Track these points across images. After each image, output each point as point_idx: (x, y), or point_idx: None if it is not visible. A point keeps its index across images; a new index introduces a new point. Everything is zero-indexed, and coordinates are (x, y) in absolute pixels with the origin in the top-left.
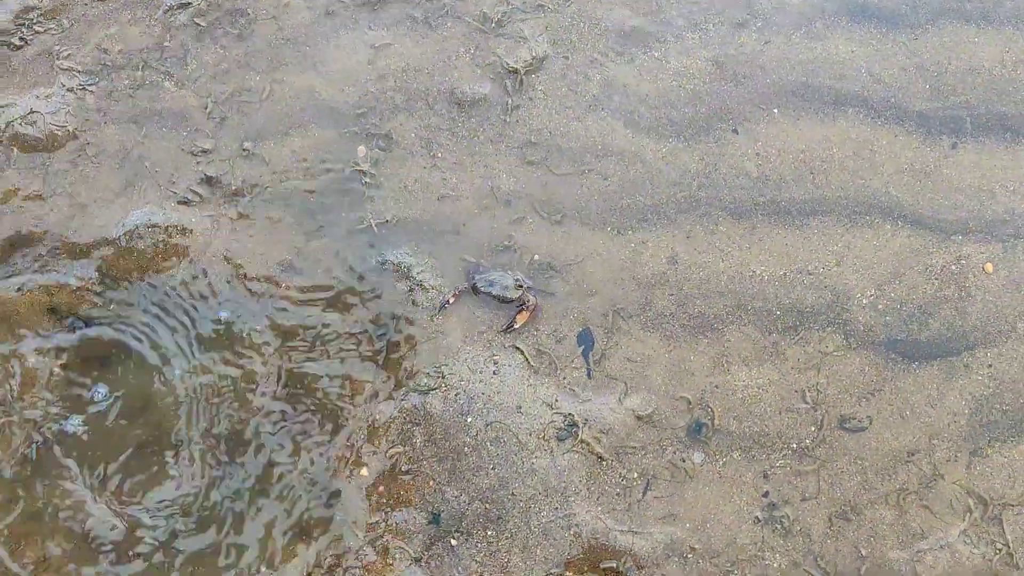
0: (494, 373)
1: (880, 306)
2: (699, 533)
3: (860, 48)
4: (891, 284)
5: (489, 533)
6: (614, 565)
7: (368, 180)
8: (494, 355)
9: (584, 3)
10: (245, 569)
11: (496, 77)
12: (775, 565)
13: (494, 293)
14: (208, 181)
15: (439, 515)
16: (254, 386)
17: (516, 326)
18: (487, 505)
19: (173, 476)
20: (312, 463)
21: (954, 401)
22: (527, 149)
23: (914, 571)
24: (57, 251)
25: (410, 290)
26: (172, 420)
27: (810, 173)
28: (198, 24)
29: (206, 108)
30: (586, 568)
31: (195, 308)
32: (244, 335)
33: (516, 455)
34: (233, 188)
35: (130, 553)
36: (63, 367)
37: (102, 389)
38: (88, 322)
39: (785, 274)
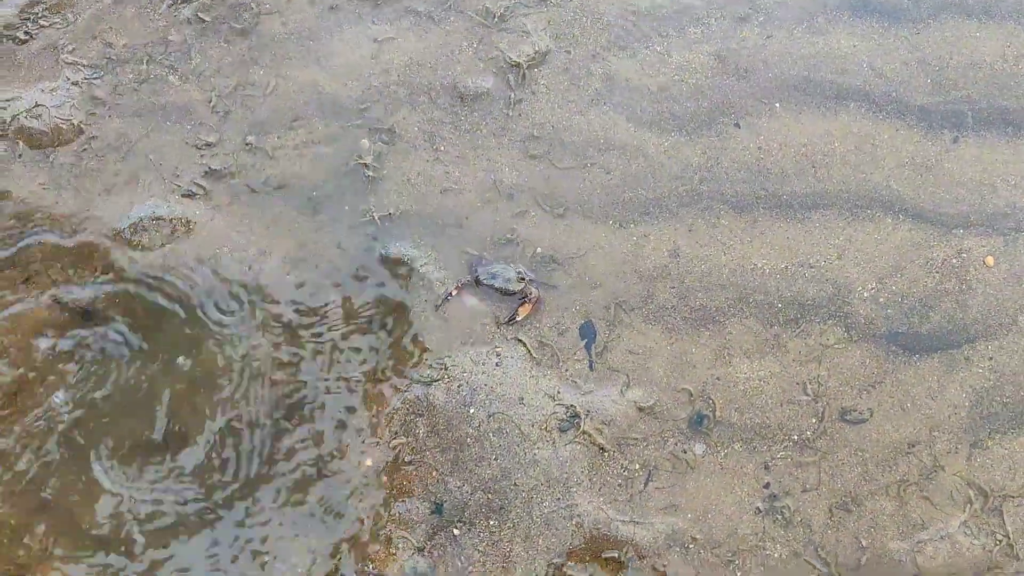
0: (496, 365)
1: (881, 299)
2: (700, 524)
3: (862, 43)
4: (892, 277)
5: (491, 523)
6: (616, 555)
7: (371, 173)
8: (496, 347)
9: None
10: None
11: (499, 71)
12: (776, 555)
13: (496, 285)
14: (212, 174)
15: (442, 505)
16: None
17: (518, 318)
18: (490, 495)
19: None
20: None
21: (955, 393)
22: (530, 143)
23: (914, 561)
24: (62, 243)
25: (413, 282)
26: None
27: (812, 167)
28: (202, 19)
29: (210, 102)
30: (588, 558)
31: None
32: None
33: (518, 446)
34: (236, 181)
35: None
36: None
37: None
38: (94, 315)
39: (786, 267)
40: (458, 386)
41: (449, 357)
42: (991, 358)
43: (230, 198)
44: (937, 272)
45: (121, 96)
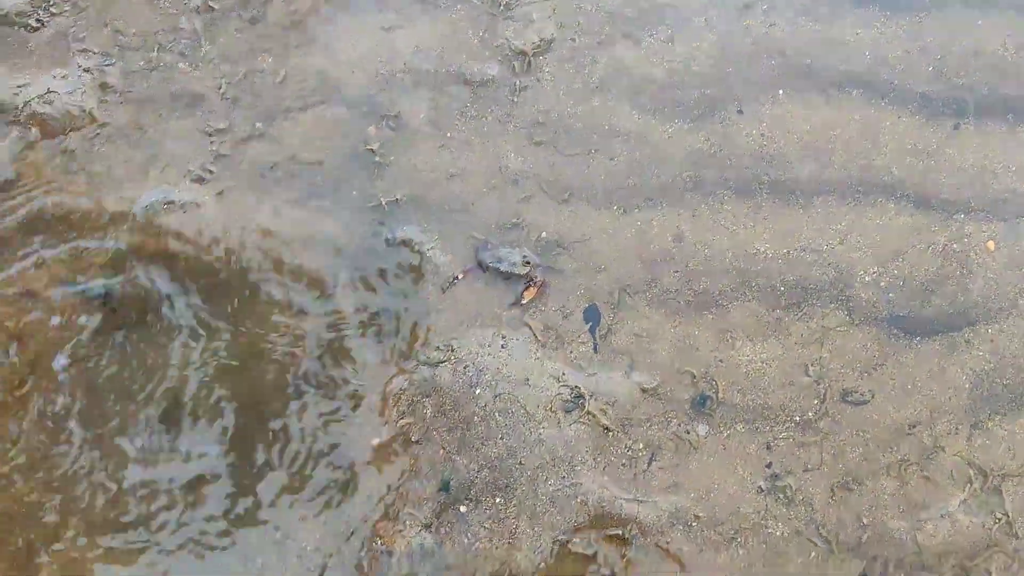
0: (502, 347)
1: (883, 283)
2: (703, 502)
3: (864, 31)
4: (894, 262)
5: (497, 500)
6: (620, 532)
7: (378, 159)
8: (502, 330)
9: None
10: None
11: (504, 59)
12: (778, 533)
13: (502, 269)
14: (222, 160)
15: (449, 483)
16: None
17: (524, 302)
18: (495, 473)
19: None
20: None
21: (955, 375)
22: (535, 130)
23: (915, 539)
24: (75, 227)
25: (420, 266)
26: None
27: (814, 153)
28: (211, 7)
29: (220, 89)
30: (592, 535)
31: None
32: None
33: (524, 425)
34: (246, 167)
35: None
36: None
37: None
38: (110, 295)
39: (789, 252)
40: (464, 367)
41: (456, 339)
42: (992, 341)
43: (239, 183)
44: (939, 256)
45: (132, 83)
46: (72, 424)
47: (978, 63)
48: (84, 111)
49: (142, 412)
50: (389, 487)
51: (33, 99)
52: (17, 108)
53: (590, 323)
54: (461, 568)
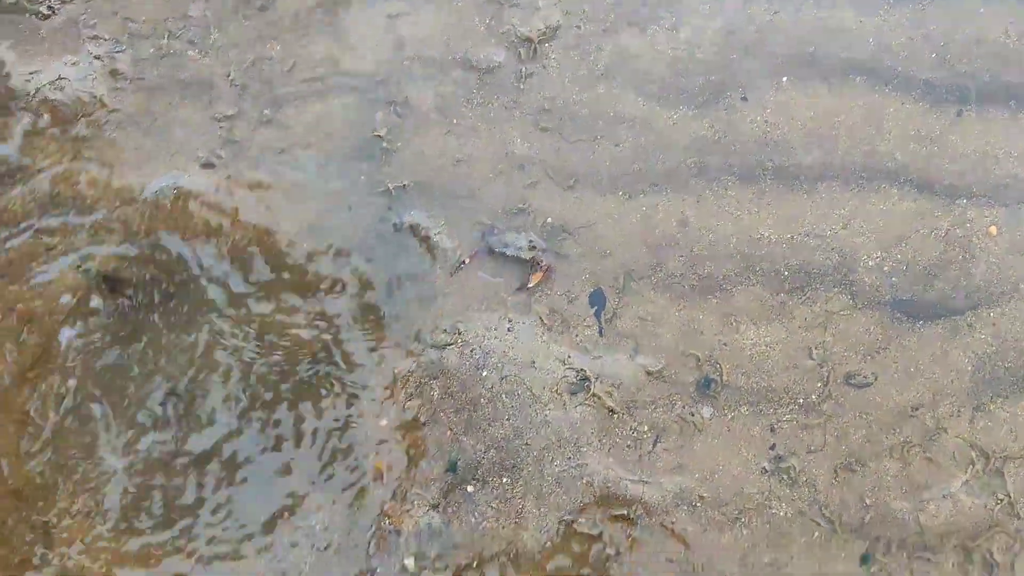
0: (508, 330)
1: (886, 268)
2: (707, 483)
3: (868, 18)
4: (897, 246)
5: (504, 481)
6: (625, 512)
7: (386, 145)
8: (508, 313)
9: None
10: None
11: (510, 46)
12: (781, 514)
13: (508, 254)
14: (231, 146)
15: (456, 463)
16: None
17: (530, 286)
18: (502, 454)
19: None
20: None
21: (958, 358)
22: (541, 116)
23: (917, 520)
24: (86, 211)
25: (427, 251)
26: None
27: (818, 140)
28: None
29: (228, 76)
30: (597, 515)
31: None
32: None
33: (530, 407)
34: (255, 153)
35: None
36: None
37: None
38: (118, 281)
39: (793, 237)
40: (471, 350)
41: (462, 323)
42: (994, 324)
43: (248, 169)
44: (941, 241)
45: (142, 70)
46: (82, 402)
47: (980, 51)
48: (95, 97)
49: (151, 390)
50: (397, 467)
51: (45, 85)
52: (29, 94)
53: (595, 307)
54: (468, 547)
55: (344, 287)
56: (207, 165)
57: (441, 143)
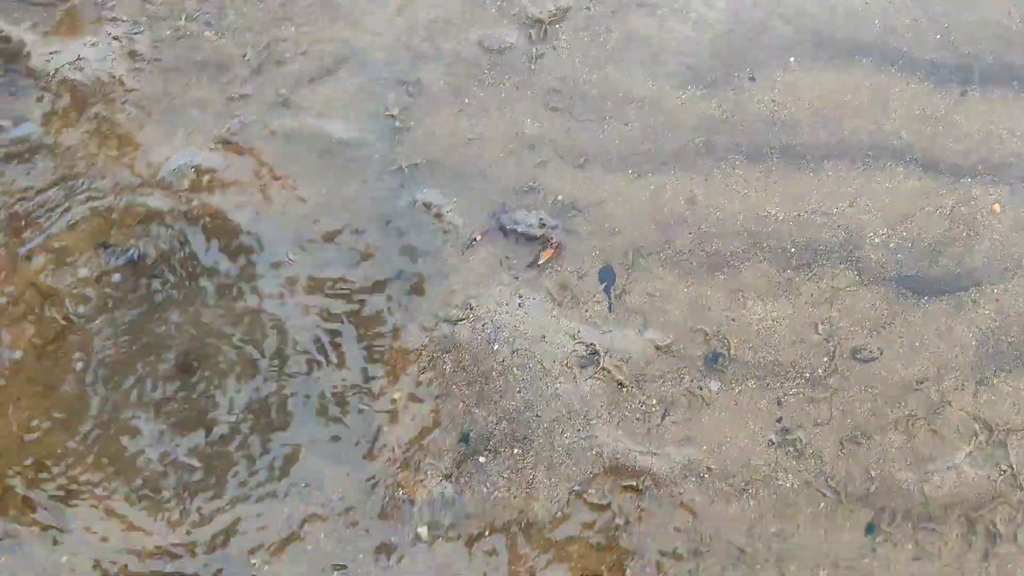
0: (519, 306)
1: (892, 244)
2: (715, 455)
3: (873, 0)
4: (903, 224)
5: (515, 452)
6: (634, 483)
7: (398, 125)
8: (520, 289)
9: None
10: None
11: (521, 27)
12: (788, 485)
13: (519, 231)
14: (247, 124)
15: (468, 435)
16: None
17: (540, 262)
18: (513, 426)
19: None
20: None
21: (962, 333)
22: (551, 96)
23: (922, 491)
24: (104, 190)
25: (439, 228)
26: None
27: (824, 119)
28: None
29: (244, 57)
30: (607, 486)
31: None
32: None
33: (541, 380)
34: (270, 132)
35: None
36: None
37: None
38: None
39: (800, 215)
40: (483, 325)
41: (474, 298)
42: (997, 300)
43: (264, 147)
44: (946, 219)
45: (160, 50)
46: (99, 375)
47: (984, 32)
48: (114, 78)
49: (163, 364)
50: (411, 439)
51: (64, 66)
52: (48, 75)
53: (605, 283)
54: (480, 516)
55: (357, 262)
56: (223, 144)
57: (453, 123)
